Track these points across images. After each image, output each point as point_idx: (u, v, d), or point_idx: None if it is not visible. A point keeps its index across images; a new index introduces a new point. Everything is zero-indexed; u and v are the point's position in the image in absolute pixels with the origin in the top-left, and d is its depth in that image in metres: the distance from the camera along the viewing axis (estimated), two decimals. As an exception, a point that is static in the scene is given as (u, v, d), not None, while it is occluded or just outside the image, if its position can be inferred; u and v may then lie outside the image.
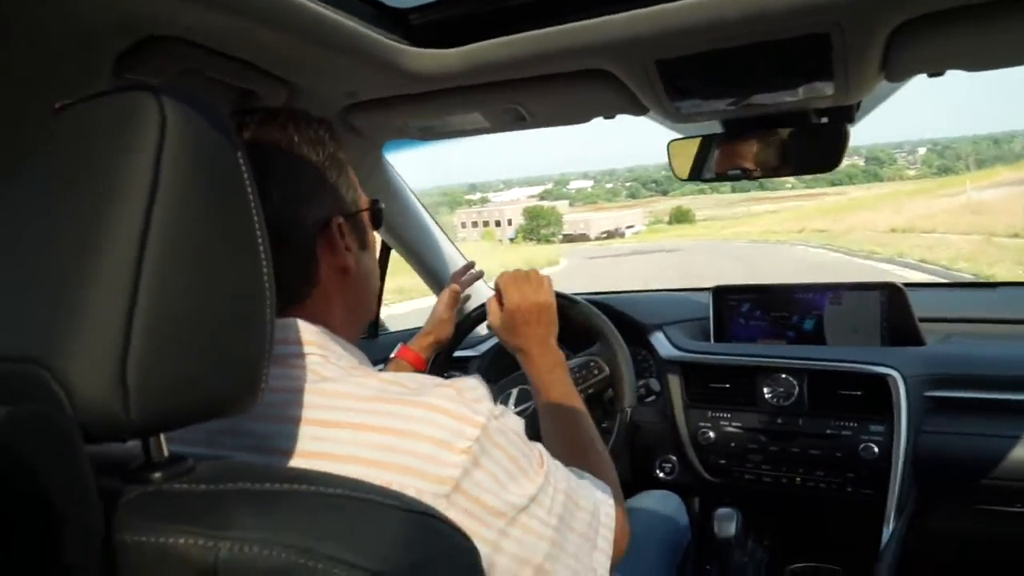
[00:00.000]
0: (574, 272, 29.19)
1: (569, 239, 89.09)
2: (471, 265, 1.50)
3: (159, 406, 0.45)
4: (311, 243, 0.73)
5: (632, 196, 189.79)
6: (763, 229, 53.61)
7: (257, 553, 0.45)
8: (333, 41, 0.91)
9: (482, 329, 2.04)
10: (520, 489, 0.67)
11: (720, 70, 0.99)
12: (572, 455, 0.91)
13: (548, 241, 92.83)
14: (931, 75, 1.03)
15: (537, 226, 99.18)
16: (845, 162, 1.26)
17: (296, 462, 0.62)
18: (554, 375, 1.08)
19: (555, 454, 0.89)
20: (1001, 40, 0.89)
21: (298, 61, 0.99)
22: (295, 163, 0.72)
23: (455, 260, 2.05)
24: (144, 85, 0.48)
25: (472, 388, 0.68)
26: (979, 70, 1.00)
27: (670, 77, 1.01)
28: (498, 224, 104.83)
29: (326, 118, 0.79)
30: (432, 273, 1.98)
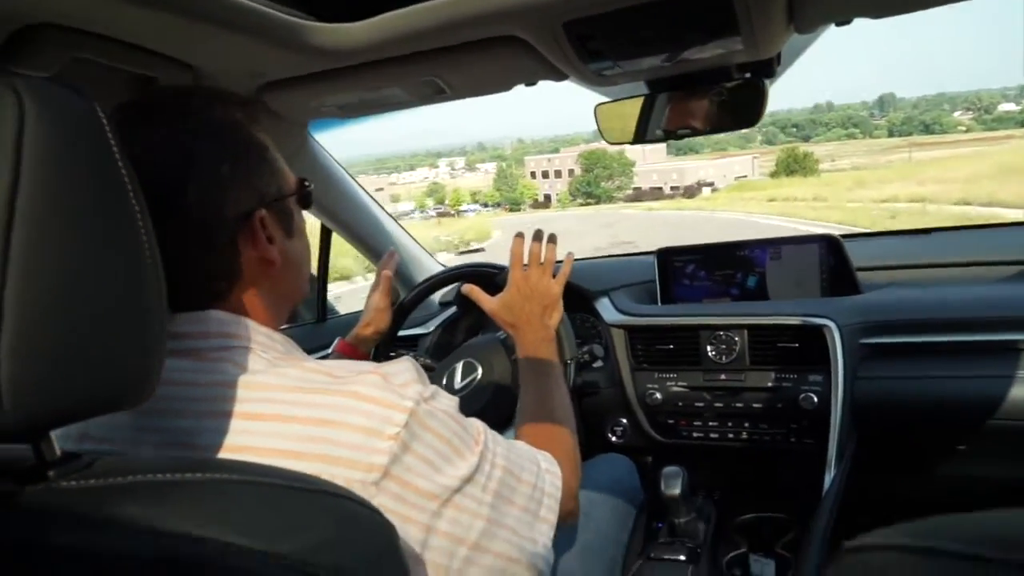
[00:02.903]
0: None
1: (637, 196, 70.41)
2: (393, 253, 1.49)
3: (39, 406, 0.43)
4: (232, 238, 0.69)
5: (768, 142, 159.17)
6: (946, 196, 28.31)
7: (146, 543, 0.45)
8: (235, 21, 0.89)
9: (429, 306, 2.04)
10: (454, 471, 0.67)
11: (627, 30, 0.98)
12: (539, 423, 0.96)
13: (610, 198, 72.45)
14: (839, 24, 1.04)
15: (595, 178, 76.93)
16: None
17: (222, 456, 0.61)
18: (539, 349, 1.11)
19: (524, 421, 0.95)
20: None
21: (199, 43, 0.96)
22: (211, 157, 0.68)
23: (396, 233, 2.04)
24: (3, 77, 0.46)
25: (399, 372, 0.68)
26: (884, 16, 1.01)
27: (580, 39, 1.00)
28: (558, 175, 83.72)
29: (243, 97, 0.76)
30: (373, 250, 1.97)
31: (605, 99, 1.38)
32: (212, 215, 0.67)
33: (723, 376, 1.66)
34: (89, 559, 0.45)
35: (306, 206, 0.82)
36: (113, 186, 0.48)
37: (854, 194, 33.86)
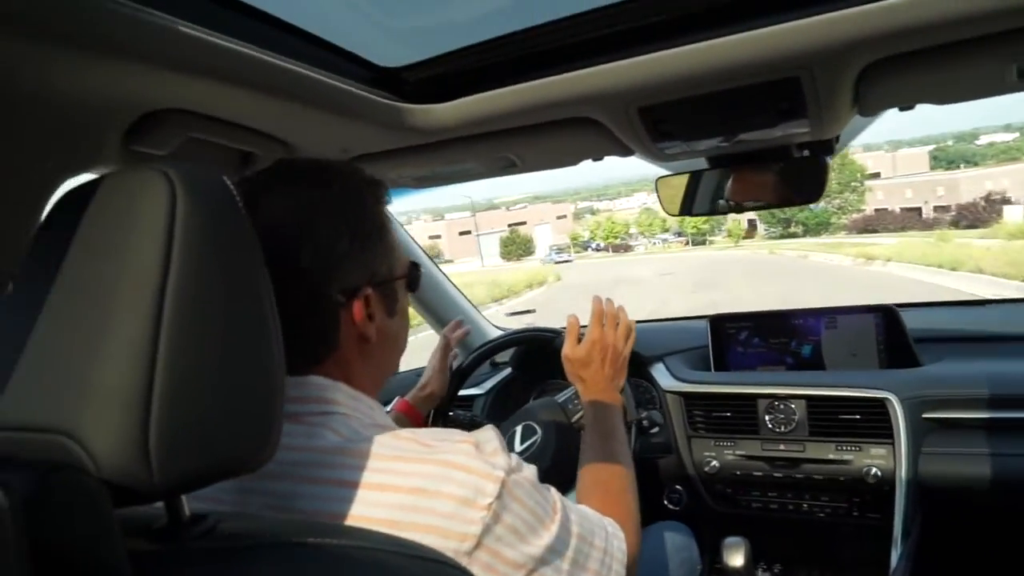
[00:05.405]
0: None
1: (867, 223, 46.67)
2: (460, 323, 1.54)
3: (180, 469, 0.47)
4: (335, 310, 0.72)
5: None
6: None
7: None
8: (331, 103, 0.96)
9: (483, 369, 2.07)
10: (538, 540, 0.68)
11: (699, 114, 1.03)
12: (604, 486, 0.96)
13: (821, 225, 51.29)
14: (902, 109, 1.08)
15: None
16: None
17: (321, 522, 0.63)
18: (606, 411, 1.12)
19: (589, 483, 0.96)
20: (962, 76, 0.93)
21: (297, 123, 1.03)
22: (332, 230, 0.71)
23: (456, 298, 2.09)
24: (154, 163, 0.51)
25: (488, 440, 0.70)
26: (947, 103, 1.04)
27: (652, 122, 1.05)
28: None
29: (375, 178, 0.80)
30: (439, 318, 2.02)
31: (665, 172, 1.43)
32: (322, 284, 0.71)
33: (782, 446, 1.64)
34: None
35: (413, 290, 0.85)
36: (247, 261, 0.53)
37: None
